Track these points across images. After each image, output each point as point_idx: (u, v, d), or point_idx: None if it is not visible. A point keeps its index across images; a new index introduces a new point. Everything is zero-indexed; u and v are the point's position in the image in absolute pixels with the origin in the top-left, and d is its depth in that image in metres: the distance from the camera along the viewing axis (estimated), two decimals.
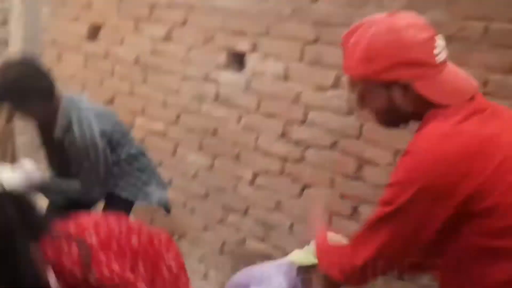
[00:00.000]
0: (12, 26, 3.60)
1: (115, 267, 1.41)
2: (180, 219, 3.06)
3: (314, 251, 1.47)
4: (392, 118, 1.26)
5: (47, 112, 2.09)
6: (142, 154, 2.42)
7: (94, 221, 1.50)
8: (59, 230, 1.40)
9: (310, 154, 2.43)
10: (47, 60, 3.63)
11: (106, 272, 1.39)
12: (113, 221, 1.55)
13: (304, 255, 1.75)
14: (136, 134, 3.18)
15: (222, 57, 2.74)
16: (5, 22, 3.61)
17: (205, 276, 2.98)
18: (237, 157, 2.73)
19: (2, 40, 3.62)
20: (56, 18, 3.55)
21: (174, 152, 3.03)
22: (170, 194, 3.05)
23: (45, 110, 2.08)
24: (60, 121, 2.09)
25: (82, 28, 3.37)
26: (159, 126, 3.08)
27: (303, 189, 2.48)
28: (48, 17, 3.59)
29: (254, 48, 2.60)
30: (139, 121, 3.18)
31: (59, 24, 3.53)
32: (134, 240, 1.53)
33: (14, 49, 3.60)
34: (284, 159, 2.53)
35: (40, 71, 2.08)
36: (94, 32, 3.34)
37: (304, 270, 1.74)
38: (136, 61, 3.13)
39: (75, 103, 2.13)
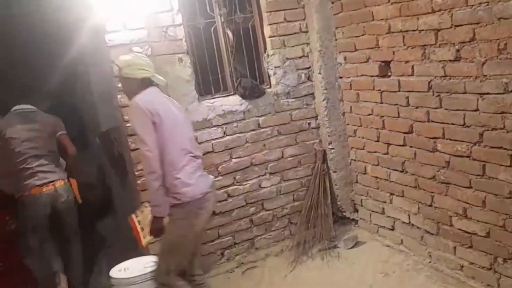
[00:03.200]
0: (315, 80, 4.18)
1: None
2: (502, 241, 2.90)
3: None
4: None
5: None
6: None
7: None
8: None
9: None
10: (348, 102, 4.06)
11: None
12: None
13: None
14: (439, 158, 3.22)
15: None
16: (309, 78, 4.21)
17: None
18: None
19: (309, 94, 4.22)
20: (349, 64, 3.94)
21: (483, 172, 2.93)
22: (485, 216, 2.95)
23: None
24: None
25: (373, 67, 3.66)
26: (462, 147, 3.03)
27: None
28: (342, 65, 4.03)
29: None
30: (441, 145, 3.20)
31: (353, 69, 3.92)
32: None
33: (319, 98, 4.16)
34: None
35: None
36: (384, 69, 3.57)
37: None
38: (429, 87, 3.19)
39: None
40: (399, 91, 3.46)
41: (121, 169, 4.06)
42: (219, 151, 3.91)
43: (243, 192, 4.05)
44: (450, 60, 2.98)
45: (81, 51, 4.30)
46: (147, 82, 2.81)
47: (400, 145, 3.57)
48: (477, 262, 3.10)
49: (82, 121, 5.90)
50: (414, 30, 3.20)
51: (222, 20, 3.96)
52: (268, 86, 4.16)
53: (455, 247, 3.26)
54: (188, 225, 2.70)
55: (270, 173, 4.14)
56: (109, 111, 3.97)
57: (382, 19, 3.46)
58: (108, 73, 3.50)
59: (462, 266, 3.23)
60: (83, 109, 5.54)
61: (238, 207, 4.04)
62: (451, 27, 2.92)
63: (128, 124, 3.47)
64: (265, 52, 4.13)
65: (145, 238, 2.97)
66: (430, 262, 3.49)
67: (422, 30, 3.13)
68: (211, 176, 2.92)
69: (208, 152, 3.87)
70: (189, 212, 2.69)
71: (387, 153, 3.73)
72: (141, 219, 3.09)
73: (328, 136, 4.18)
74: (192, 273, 2.93)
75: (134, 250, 3.84)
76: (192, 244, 2.76)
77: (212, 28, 3.97)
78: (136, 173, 3.52)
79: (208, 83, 4.02)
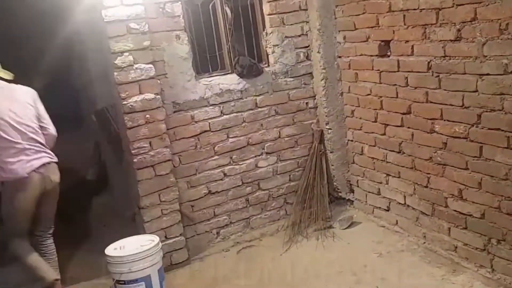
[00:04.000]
0: (314, 59, 4.14)
1: None
2: (497, 222, 2.91)
3: None
4: None
5: None
6: None
7: None
8: None
9: None
10: (346, 81, 4.03)
11: None
12: None
13: None
14: (437, 139, 3.21)
15: None
16: (308, 57, 4.17)
17: None
18: None
19: (308, 73, 4.19)
20: (349, 43, 3.90)
21: (480, 154, 2.92)
22: (480, 197, 2.95)
23: None
24: None
25: (373, 47, 3.62)
26: (460, 128, 3.02)
27: None
28: (342, 44, 3.98)
29: None
30: (438, 127, 3.19)
31: (352, 48, 3.88)
32: None
33: (318, 78, 4.13)
34: None
35: None
36: (384, 48, 3.53)
37: None
38: (428, 67, 3.16)
39: None
40: (398, 71, 3.43)
41: (117, 147, 4.04)
42: (216, 130, 3.89)
43: (240, 172, 4.04)
44: (451, 40, 2.95)
45: (77, 27, 4.25)
46: None
47: (398, 126, 3.55)
48: (471, 243, 3.11)
49: (78, 99, 5.87)
50: (415, 9, 3.16)
51: None
52: (266, 65, 4.12)
53: (449, 228, 3.27)
54: (10, 200, 3.26)
55: (267, 153, 4.13)
56: (106, 88, 3.93)
57: None
58: (105, 50, 3.45)
59: (456, 247, 3.24)
60: (80, 86, 5.51)
61: (234, 187, 4.04)
62: (452, 6, 2.88)
63: (125, 102, 3.44)
64: (263, 30, 4.08)
65: None
66: (424, 243, 3.51)
67: (423, 9, 3.09)
68: (44, 160, 3.30)
69: (205, 131, 3.85)
70: (8, 189, 3.25)
71: (384, 134, 3.72)
72: None
73: (326, 116, 4.16)
74: (35, 232, 3.47)
75: (130, 228, 3.85)
76: (22, 214, 3.29)
77: (211, 5, 3.91)
78: (133, 151, 3.50)
79: (205, 61, 3.97)
